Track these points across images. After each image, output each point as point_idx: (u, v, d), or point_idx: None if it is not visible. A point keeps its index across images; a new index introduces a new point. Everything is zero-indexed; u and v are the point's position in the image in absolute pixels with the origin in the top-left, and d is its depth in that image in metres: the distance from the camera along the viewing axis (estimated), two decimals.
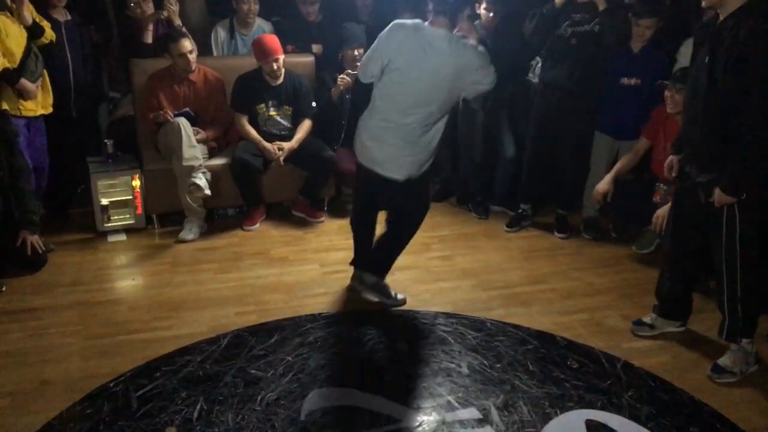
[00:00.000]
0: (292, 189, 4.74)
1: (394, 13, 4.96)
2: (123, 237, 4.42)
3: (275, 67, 4.49)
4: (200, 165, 4.31)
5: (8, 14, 3.86)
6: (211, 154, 4.60)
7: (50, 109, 4.12)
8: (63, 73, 4.39)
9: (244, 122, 4.57)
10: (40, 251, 3.88)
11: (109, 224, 4.41)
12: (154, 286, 3.82)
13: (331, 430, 2.66)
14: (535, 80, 4.64)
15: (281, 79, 4.59)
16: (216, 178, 4.44)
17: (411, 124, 3.21)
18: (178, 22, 4.76)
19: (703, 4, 2.83)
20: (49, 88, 4.10)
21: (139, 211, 4.46)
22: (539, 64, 4.56)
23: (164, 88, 4.50)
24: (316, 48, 5.00)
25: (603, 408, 2.80)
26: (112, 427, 2.64)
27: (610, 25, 4.01)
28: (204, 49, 4.89)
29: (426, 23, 3.21)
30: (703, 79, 2.79)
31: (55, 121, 4.23)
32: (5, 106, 3.83)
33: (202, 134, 4.49)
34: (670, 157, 3.20)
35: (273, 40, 4.53)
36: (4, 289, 3.70)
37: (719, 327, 3.07)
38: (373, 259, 3.63)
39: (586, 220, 4.57)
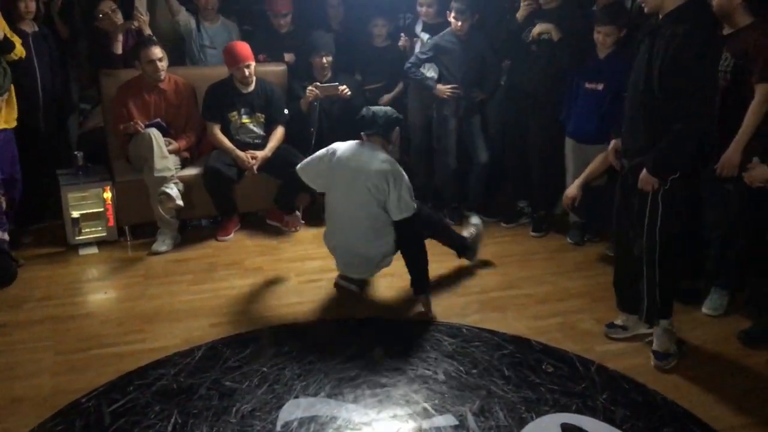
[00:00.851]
0: (266, 198, 4.70)
1: (365, 23, 5.01)
2: (95, 250, 4.37)
3: (247, 73, 4.48)
4: (172, 176, 4.28)
5: None
6: (184, 164, 4.57)
7: (14, 124, 4.06)
8: (31, 85, 4.34)
9: (217, 131, 4.55)
10: None
11: (81, 237, 4.36)
12: (127, 299, 3.78)
13: None
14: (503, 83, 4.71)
15: (252, 86, 4.58)
16: (189, 188, 4.41)
17: None
18: (148, 31, 4.72)
19: (646, 9, 2.95)
20: (14, 102, 4.04)
21: (111, 223, 4.41)
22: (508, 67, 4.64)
23: (134, 98, 4.46)
24: (288, 57, 4.99)
25: (578, 411, 2.81)
26: None
27: (565, 55, 4.22)
28: (175, 60, 4.86)
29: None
30: (640, 76, 2.90)
31: (23, 133, 4.18)
32: None
33: (174, 145, 4.45)
34: (613, 141, 3.31)
35: (244, 47, 4.52)
36: None
37: (640, 310, 3.19)
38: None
39: (572, 224, 4.61)
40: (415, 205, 3.51)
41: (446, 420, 2.76)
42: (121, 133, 4.43)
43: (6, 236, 3.94)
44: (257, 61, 4.59)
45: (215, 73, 4.70)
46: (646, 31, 3.02)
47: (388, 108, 3.72)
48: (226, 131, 4.57)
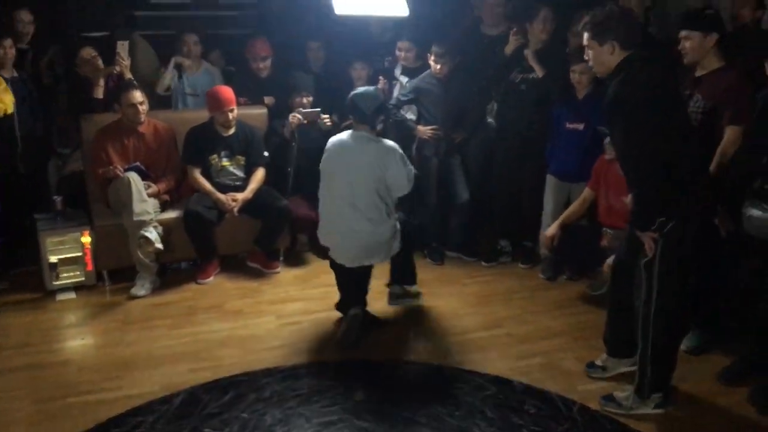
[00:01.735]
0: (246, 240, 4.70)
1: (345, 66, 5.08)
2: (72, 295, 4.31)
3: (230, 117, 4.52)
4: (151, 219, 4.26)
5: None
6: (164, 207, 4.56)
7: None
8: (9, 130, 4.34)
9: (197, 174, 4.56)
10: None
11: (58, 282, 4.30)
12: (105, 345, 3.73)
13: None
14: (493, 122, 4.77)
15: (233, 129, 4.61)
16: (168, 231, 4.39)
17: None
18: (129, 76, 4.75)
19: (598, 75, 3.04)
20: None
21: (90, 267, 4.37)
22: (495, 107, 4.73)
23: (113, 143, 4.47)
24: (268, 100, 5.04)
25: None
26: None
27: (553, 88, 4.34)
28: (155, 103, 4.89)
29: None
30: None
31: (2, 177, 4.15)
32: None
33: (153, 188, 4.45)
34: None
35: (227, 91, 4.57)
36: None
37: (634, 382, 3.10)
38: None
39: (543, 260, 4.65)
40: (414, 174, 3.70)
41: None
42: (100, 177, 4.42)
43: None
44: (237, 104, 4.63)
45: (195, 116, 4.72)
46: None
47: (370, 92, 3.77)
48: (206, 174, 4.58)
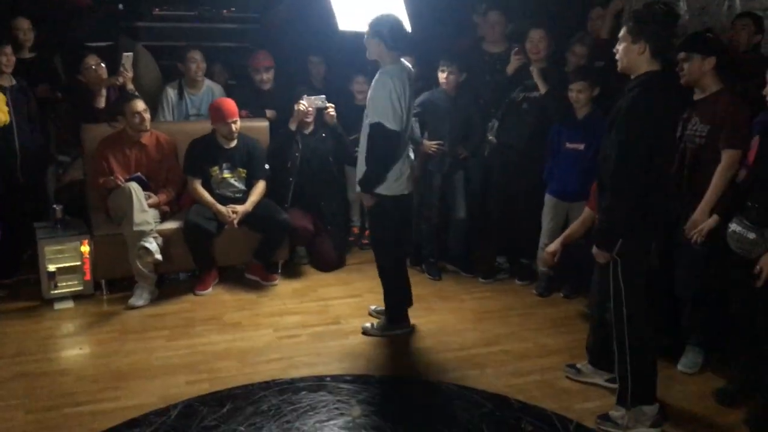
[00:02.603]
0: (245, 252, 4.72)
1: (346, 81, 5.12)
2: (70, 304, 4.31)
3: (233, 128, 4.55)
4: (151, 230, 4.27)
5: None
6: (164, 218, 4.57)
7: None
8: (8, 138, 4.35)
9: (198, 186, 4.57)
10: None
11: (56, 291, 4.29)
12: (102, 355, 3.72)
13: None
14: (494, 140, 4.80)
15: (235, 142, 4.64)
16: (168, 242, 4.40)
17: None
18: (131, 87, 4.78)
19: (618, 67, 3.01)
20: None
21: (88, 277, 4.37)
22: (495, 125, 4.74)
23: (115, 153, 4.48)
24: (269, 113, 5.07)
25: None
26: None
27: (553, 105, 4.35)
28: (156, 114, 4.91)
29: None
30: (603, 138, 3.04)
31: (1, 186, 4.16)
32: None
33: (154, 199, 4.46)
34: None
35: (230, 104, 4.60)
36: None
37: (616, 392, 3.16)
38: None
39: (540, 277, 4.68)
40: None
41: None
42: (101, 187, 4.43)
43: None
44: (239, 116, 4.66)
45: (197, 128, 4.75)
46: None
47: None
48: (206, 185, 4.60)
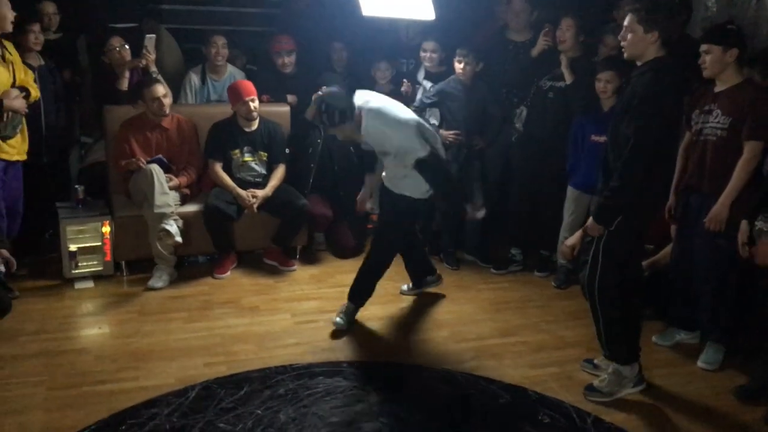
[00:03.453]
0: (264, 237, 4.73)
1: (369, 66, 5.09)
2: (90, 284, 4.34)
3: (252, 107, 4.54)
4: (172, 212, 4.29)
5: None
6: (184, 200, 4.58)
7: (25, 156, 4.07)
8: (35, 118, 4.35)
9: (219, 169, 4.58)
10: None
11: (77, 271, 4.33)
12: (121, 336, 3.75)
13: None
14: (521, 128, 4.75)
15: (256, 125, 4.63)
16: (188, 225, 4.42)
17: None
18: (153, 69, 4.79)
19: (625, 55, 3.06)
20: (26, 135, 4.06)
21: (108, 257, 4.40)
22: (524, 112, 4.68)
23: (136, 135, 4.50)
24: (291, 98, 5.06)
25: None
26: None
27: (578, 96, 4.32)
28: (179, 98, 4.92)
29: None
30: (613, 121, 3.08)
31: (25, 165, 4.19)
32: None
33: (175, 181, 4.47)
34: None
35: (247, 84, 4.62)
36: None
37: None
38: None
39: (559, 269, 4.65)
40: None
41: None
42: (123, 169, 4.45)
43: (2, 267, 3.91)
44: (261, 101, 4.65)
45: (218, 111, 4.75)
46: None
47: (333, 93, 3.78)
48: (227, 169, 4.60)
